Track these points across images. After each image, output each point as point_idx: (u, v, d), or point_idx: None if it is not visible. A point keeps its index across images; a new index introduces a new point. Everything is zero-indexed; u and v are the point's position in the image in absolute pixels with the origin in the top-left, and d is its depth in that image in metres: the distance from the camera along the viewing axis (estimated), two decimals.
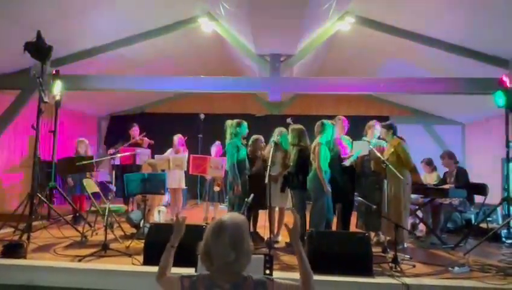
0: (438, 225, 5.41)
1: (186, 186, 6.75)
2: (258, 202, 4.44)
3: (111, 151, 6.68)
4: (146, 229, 4.29)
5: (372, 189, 4.88)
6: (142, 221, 4.91)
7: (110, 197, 4.83)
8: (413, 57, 6.79)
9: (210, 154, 6.45)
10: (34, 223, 4.77)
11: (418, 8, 5.49)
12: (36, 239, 4.55)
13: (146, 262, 3.66)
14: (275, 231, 4.90)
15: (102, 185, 6.28)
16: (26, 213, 4.60)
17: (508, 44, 5.16)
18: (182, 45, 7.12)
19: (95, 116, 10.35)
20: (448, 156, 5.80)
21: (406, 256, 4.08)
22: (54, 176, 5.40)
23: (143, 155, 6.37)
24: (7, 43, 5.33)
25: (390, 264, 3.70)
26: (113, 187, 6.22)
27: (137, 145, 6.75)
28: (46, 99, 4.75)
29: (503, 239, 5.06)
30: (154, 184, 4.91)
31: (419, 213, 5.61)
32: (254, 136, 5.31)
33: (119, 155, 6.07)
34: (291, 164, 4.84)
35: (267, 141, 5.27)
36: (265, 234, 4.68)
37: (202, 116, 7.99)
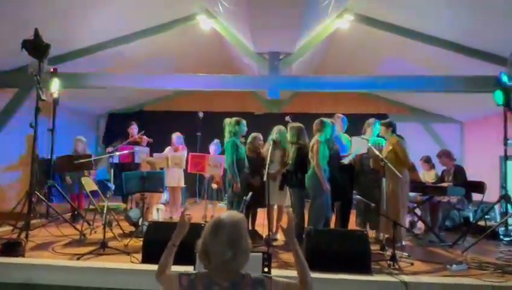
0: (436, 223, 5.43)
1: (185, 184, 6.74)
2: (256, 200, 4.44)
3: (109, 149, 6.67)
4: (145, 228, 4.29)
5: (371, 187, 4.89)
6: (141, 219, 4.91)
7: (108, 196, 4.82)
8: (411, 55, 6.79)
9: (209, 153, 6.45)
10: (33, 222, 4.76)
11: (416, 6, 5.48)
12: (34, 237, 4.55)
13: (144, 260, 3.66)
14: (274, 229, 4.91)
15: (101, 183, 6.26)
16: (25, 211, 4.59)
17: (506, 42, 5.16)
18: (180, 43, 7.11)
19: (94, 114, 10.33)
20: (446, 155, 5.81)
21: (404, 254, 4.10)
22: (53, 174, 5.38)
23: (141, 153, 6.36)
24: (4, 41, 5.30)
25: (388, 262, 3.71)
26: (111, 185, 6.20)
27: (136, 143, 6.74)
28: (43, 98, 4.72)
29: (501, 237, 5.07)
30: (153, 182, 4.91)
31: (418, 211, 5.62)
32: (253, 134, 5.31)
33: (117, 153, 6.06)
34: (290, 162, 4.84)
35: (265, 139, 5.27)
36: (263, 232, 4.69)
37: (201, 114, 7.96)
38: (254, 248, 3.31)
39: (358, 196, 4.74)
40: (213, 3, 5.70)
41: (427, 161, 6.18)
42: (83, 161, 5.43)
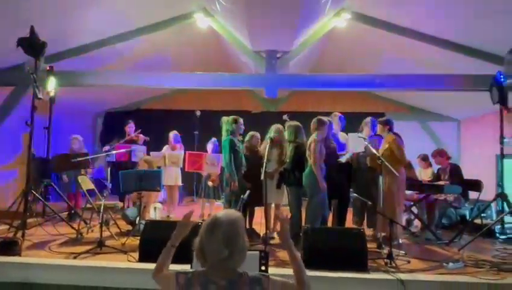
0: (433, 221, 5.45)
1: (182, 183, 6.74)
2: (254, 199, 4.44)
3: (106, 148, 6.65)
4: (142, 226, 4.28)
5: (368, 185, 4.90)
6: (138, 218, 4.90)
7: (105, 194, 4.81)
8: (409, 53, 6.80)
9: (206, 151, 6.44)
10: (29, 221, 4.74)
11: (413, 5, 5.49)
12: (31, 236, 4.53)
13: (141, 259, 3.65)
14: (271, 227, 4.91)
15: (98, 182, 6.25)
16: (21, 210, 4.57)
17: (502, 41, 5.18)
18: (177, 41, 7.08)
19: (91, 112, 10.28)
20: (440, 154, 5.85)
21: (401, 252, 4.11)
22: (49, 173, 5.36)
23: (138, 152, 6.35)
24: (0, 39, 5.26)
25: (385, 260, 3.72)
26: (108, 184, 6.19)
27: (133, 142, 6.72)
28: (40, 96, 4.69)
29: (497, 235, 5.10)
30: (150, 181, 4.90)
31: (414, 209, 5.65)
32: (250, 133, 5.30)
33: (114, 152, 6.05)
34: (288, 160, 4.84)
35: (263, 138, 5.27)
36: (261, 230, 4.69)
37: (198, 112, 7.96)
38: (251, 246, 3.31)
39: (355, 194, 4.75)
40: (210, 1, 5.69)
41: (424, 159, 6.20)
42: (79, 159, 5.41)
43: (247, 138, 5.28)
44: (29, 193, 4.61)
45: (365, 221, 5.32)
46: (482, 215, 5.33)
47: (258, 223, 4.88)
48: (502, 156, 4.89)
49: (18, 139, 7.45)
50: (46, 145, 5.54)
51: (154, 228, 3.82)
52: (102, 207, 4.29)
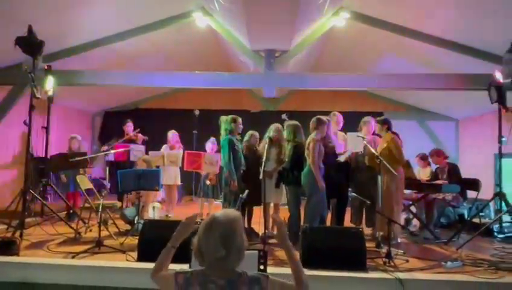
0: (431, 220, 5.46)
1: (181, 182, 6.73)
2: (252, 198, 4.44)
3: (105, 148, 6.64)
4: (140, 226, 4.28)
5: (367, 184, 4.90)
6: (137, 217, 4.89)
7: (103, 194, 4.80)
8: (407, 53, 6.81)
9: (205, 151, 6.43)
10: (27, 220, 4.73)
11: (412, 4, 5.49)
12: (29, 236, 4.52)
13: (140, 258, 3.65)
14: (270, 226, 4.92)
15: (96, 182, 6.24)
16: (19, 210, 4.56)
17: (500, 40, 5.18)
18: (176, 40, 7.07)
19: (89, 112, 10.27)
20: (437, 154, 5.86)
21: (400, 251, 4.11)
22: (47, 172, 5.34)
23: (137, 151, 6.34)
24: None
25: (383, 259, 3.73)
26: (107, 184, 6.19)
27: (132, 141, 6.71)
28: (38, 95, 4.68)
29: (495, 234, 5.10)
30: (149, 180, 4.90)
31: (413, 208, 5.65)
32: (249, 132, 5.30)
33: (112, 151, 6.04)
34: (286, 159, 4.84)
35: (262, 137, 5.26)
36: (260, 230, 4.69)
37: (197, 112, 7.94)
38: (250, 245, 3.30)
39: (354, 194, 4.75)
40: (209, 0, 5.67)
41: (423, 158, 6.21)
42: (78, 159, 5.40)
43: (246, 137, 5.27)
44: (27, 193, 4.60)
45: (364, 220, 5.32)
46: (481, 214, 5.33)
47: (257, 223, 4.88)
48: (500, 155, 4.90)
49: (16, 138, 7.43)
50: (44, 144, 5.53)
51: (152, 227, 3.82)
52: (100, 207, 4.28)
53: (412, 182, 5.48)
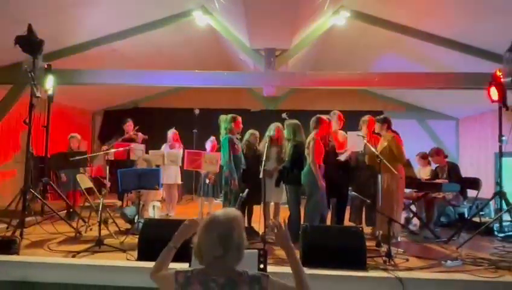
0: (432, 219, 5.46)
1: (181, 181, 6.73)
2: (252, 197, 4.44)
3: (105, 148, 6.63)
4: (140, 225, 4.28)
5: (367, 183, 4.90)
6: (137, 216, 4.89)
7: (104, 193, 4.80)
8: (407, 51, 6.80)
9: (205, 150, 6.43)
10: (27, 219, 4.73)
11: (412, 3, 5.48)
12: (29, 235, 4.52)
13: (140, 258, 3.65)
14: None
15: (96, 181, 6.23)
16: (19, 209, 4.56)
17: (501, 38, 5.18)
18: (176, 39, 7.06)
19: (89, 111, 10.27)
20: (437, 153, 5.86)
21: (400, 250, 4.12)
22: (47, 171, 5.34)
23: (137, 150, 6.33)
24: None
25: (383, 258, 3.73)
26: (107, 182, 6.17)
27: (132, 140, 6.71)
28: (38, 94, 4.67)
29: (496, 233, 5.10)
30: (149, 179, 4.90)
31: (413, 207, 5.65)
32: (249, 131, 5.30)
33: (112, 150, 6.03)
34: (287, 158, 4.84)
35: (262, 136, 5.26)
36: (260, 229, 4.69)
37: (197, 111, 7.94)
38: (250, 244, 3.30)
39: (354, 193, 4.75)
40: None
41: (423, 157, 6.21)
42: (78, 158, 5.40)
43: (246, 136, 5.27)
44: (27, 192, 4.60)
45: (364, 219, 5.32)
46: (481, 213, 5.33)
47: (257, 222, 4.88)
48: (501, 154, 4.90)
49: (16, 137, 7.43)
50: (44, 143, 5.53)
51: (153, 226, 3.82)
52: (101, 206, 4.28)
53: (412, 181, 5.47)
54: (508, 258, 3.95)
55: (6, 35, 4.72)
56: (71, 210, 5.65)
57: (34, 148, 5.49)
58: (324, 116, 4.87)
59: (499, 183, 4.85)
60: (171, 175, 6.34)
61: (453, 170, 5.72)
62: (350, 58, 7.98)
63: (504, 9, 4.75)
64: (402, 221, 5.20)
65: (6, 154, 7.32)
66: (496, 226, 5.14)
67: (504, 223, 5.15)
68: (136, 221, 4.83)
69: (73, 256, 3.75)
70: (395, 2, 5.61)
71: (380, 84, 6.42)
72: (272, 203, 5.11)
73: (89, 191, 5.29)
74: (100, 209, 4.25)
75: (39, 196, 4.94)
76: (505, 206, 4.69)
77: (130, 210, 5.23)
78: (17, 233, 4.31)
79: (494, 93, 4.85)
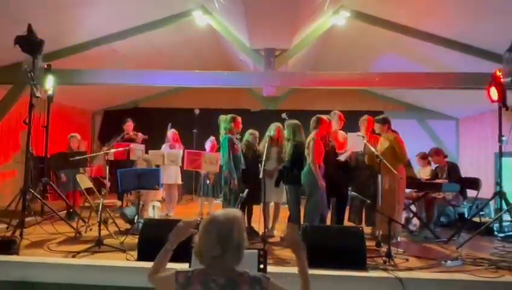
0: (432, 219, 5.45)
1: (182, 181, 6.73)
2: (252, 197, 4.44)
3: (105, 148, 6.63)
4: (140, 225, 4.28)
5: (367, 183, 4.90)
6: (137, 216, 4.89)
7: (103, 193, 4.80)
8: (407, 51, 6.80)
9: (205, 150, 6.43)
10: (27, 219, 4.73)
11: (412, 3, 5.48)
12: (29, 235, 4.51)
13: (140, 258, 3.64)
14: (270, 225, 4.91)
15: (96, 181, 6.23)
16: (19, 209, 4.55)
17: (501, 38, 5.18)
18: (175, 39, 7.06)
19: (89, 111, 10.27)
20: (436, 153, 5.86)
21: (400, 250, 4.11)
22: (47, 171, 5.34)
23: (137, 150, 6.33)
24: None
25: (383, 258, 3.73)
26: (107, 183, 6.17)
27: (131, 140, 6.70)
28: (38, 94, 4.67)
29: (496, 233, 5.10)
30: (149, 179, 4.89)
31: (413, 207, 5.65)
32: (249, 131, 5.30)
33: (112, 150, 6.03)
34: (287, 159, 4.84)
35: (262, 136, 5.26)
36: (259, 229, 4.69)
37: (197, 111, 7.94)
38: (250, 244, 3.30)
39: (354, 193, 4.75)
40: None
41: (423, 157, 6.20)
42: (78, 158, 5.40)
43: (245, 136, 5.27)
44: (27, 192, 4.60)
45: (364, 219, 5.32)
46: (481, 213, 5.33)
47: (257, 222, 4.87)
48: (501, 154, 4.89)
49: (16, 137, 7.43)
50: (44, 143, 5.52)
51: (152, 226, 3.82)
52: (100, 206, 4.27)
53: (412, 181, 5.47)
54: (508, 258, 3.95)
55: (6, 35, 4.71)
56: (71, 210, 5.65)
57: (34, 148, 5.49)
58: (324, 116, 4.87)
59: (498, 183, 4.85)
60: (171, 175, 6.34)
61: (453, 170, 5.72)
62: (350, 58, 7.98)
63: (504, 9, 4.75)
64: (402, 221, 5.20)
65: (6, 154, 7.32)
66: (496, 226, 5.13)
67: (504, 223, 5.15)
68: (135, 221, 4.83)
69: (73, 256, 3.75)
70: (395, 2, 5.61)
71: (380, 84, 6.42)
72: (272, 203, 5.10)
73: (89, 191, 5.28)
74: (100, 209, 4.25)
75: (39, 196, 4.94)
76: (504, 206, 4.69)
77: (129, 210, 5.23)
78: (17, 233, 4.31)
79: (494, 93, 4.85)
